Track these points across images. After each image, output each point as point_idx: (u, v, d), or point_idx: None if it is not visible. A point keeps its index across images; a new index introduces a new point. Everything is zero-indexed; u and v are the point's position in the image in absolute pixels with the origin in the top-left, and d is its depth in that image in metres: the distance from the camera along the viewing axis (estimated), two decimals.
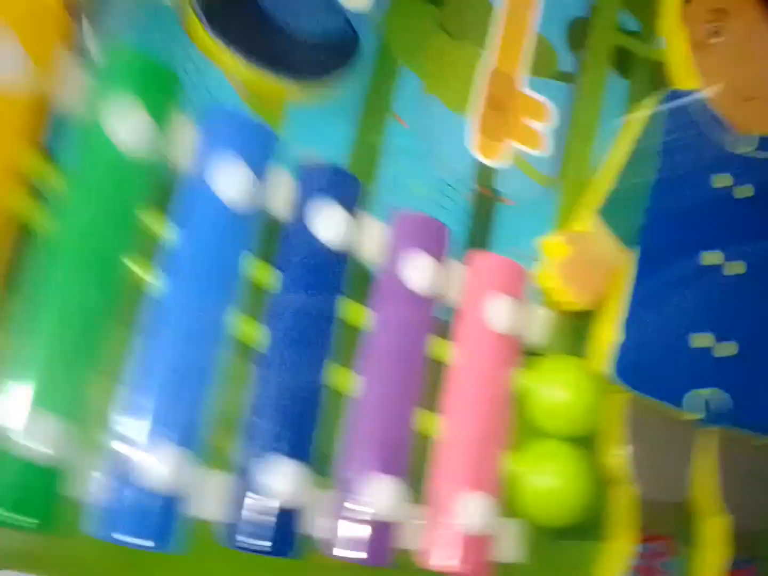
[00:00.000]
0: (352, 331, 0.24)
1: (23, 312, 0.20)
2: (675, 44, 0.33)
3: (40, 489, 0.19)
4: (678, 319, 0.30)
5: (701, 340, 0.30)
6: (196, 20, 0.24)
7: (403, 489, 0.23)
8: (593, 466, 0.26)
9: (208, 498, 0.21)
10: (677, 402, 0.29)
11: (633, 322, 0.29)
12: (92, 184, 0.21)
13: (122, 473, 0.20)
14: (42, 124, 0.21)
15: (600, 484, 0.27)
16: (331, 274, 0.24)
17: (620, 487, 0.28)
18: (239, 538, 0.21)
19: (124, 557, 0.21)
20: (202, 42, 0.24)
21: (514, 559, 0.25)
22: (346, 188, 0.25)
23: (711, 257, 0.31)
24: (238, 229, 0.23)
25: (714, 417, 0.29)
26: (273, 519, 0.21)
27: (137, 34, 0.23)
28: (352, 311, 0.24)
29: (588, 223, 0.29)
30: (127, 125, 0.21)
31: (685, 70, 0.33)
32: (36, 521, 0.19)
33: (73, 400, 0.20)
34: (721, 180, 0.32)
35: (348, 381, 0.24)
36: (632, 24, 0.33)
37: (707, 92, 0.33)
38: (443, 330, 0.25)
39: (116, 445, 0.20)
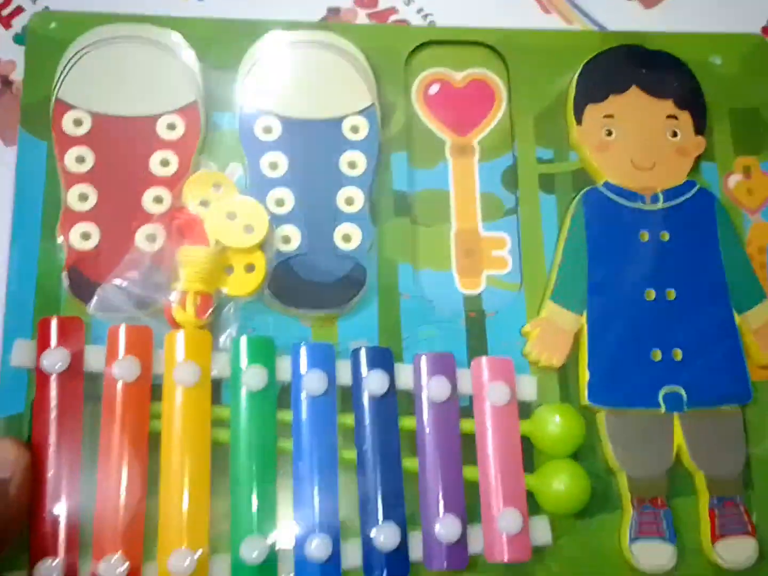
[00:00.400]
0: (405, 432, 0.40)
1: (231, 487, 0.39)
2: (582, 154, 0.46)
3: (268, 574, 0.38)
4: (638, 342, 0.43)
5: (658, 353, 0.43)
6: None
7: (464, 517, 0.39)
8: (588, 469, 0.41)
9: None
10: (653, 402, 0.42)
11: (595, 364, 0.42)
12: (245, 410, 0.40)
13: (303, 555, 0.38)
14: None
15: (599, 477, 0.41)
16: (386, 408, 0.40)
17: (617, 473, 0.42)
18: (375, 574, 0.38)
19: None
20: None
21: (546, 542, 0.40)
22: (384, 357, 0.41)
23: (651, 293, 0.44)
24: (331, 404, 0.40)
25: (676, 405, 0.42)
26: (390, 557, 0.38)
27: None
28: (405, 422, 0.41)
29: (547, 308, 0.43)
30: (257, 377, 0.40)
31: (594, 170, 0.46)
32: None
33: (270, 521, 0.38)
34: (645, 233, 0.44)
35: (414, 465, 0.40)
36: (547, 154, 0.46)
37: (615, 178, 0.45)
38: (467, 413, 0.41)
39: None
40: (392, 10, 0.49)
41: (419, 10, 0.49)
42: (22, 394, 0.39)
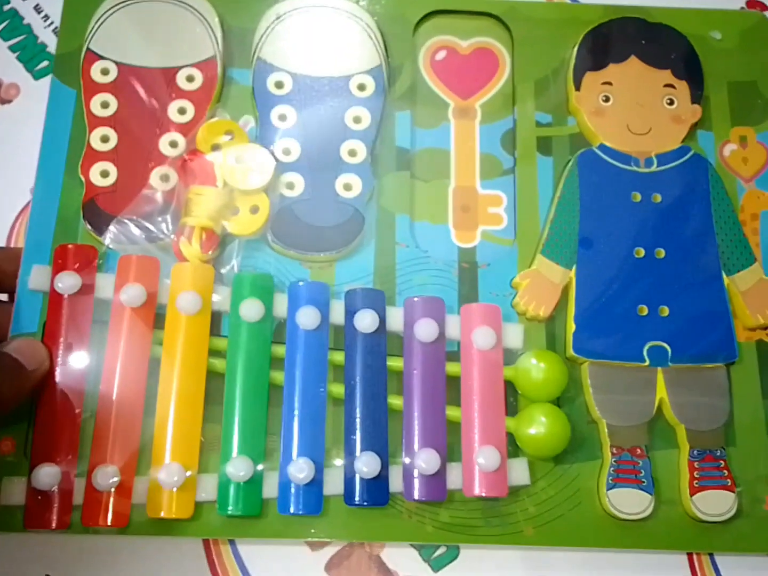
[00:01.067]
0: (395, 373, 0.42)
1: (224, 411, 0.41)
2: (579, 119, 0.48)
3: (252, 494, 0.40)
4: (625, 297, 0.44)
5: (644, 309, 0.44)
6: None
7: (443, 453, 0.40)
8: (570, 418, 0.41)
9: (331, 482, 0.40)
10: (638, 356, 0.43)
11: (581, 316, 0.43)
12: (242, 344, 0.42)
13: (287, 476, 0.40)
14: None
15: (580, 426, 0.42)
16: (376, 345, 0.42)
17: (598, 422, 0.42)
18: (355, 499, 0.40)
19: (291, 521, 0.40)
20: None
21: (525, 483, 0.41)
22: (376, 298, 0.43)
23: (640, 251, 0.45)
24: (321, 340, 0.42)
25: (660, 360, 0.43)
26: (371, 485, 0.40)
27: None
28: (393, 362, 0.42)
29: (537, 261, 0.45)
30: (254, 309, 0.42)
31: (591, 134, 0.47)
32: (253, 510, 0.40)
33: (258, 444, 0.40)
34: (637, 195, 0.46)
35: (401, 403, 0.41)
36: (546, 118, 0.48)
37: (610, 141, 0.47)
38: (454, 357, 0.43)
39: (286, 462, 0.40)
40: None
41: None
42: (36, 315, 0.42)
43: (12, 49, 0.51)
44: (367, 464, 0.40)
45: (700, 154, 0.46)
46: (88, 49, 0.46)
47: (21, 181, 0.48)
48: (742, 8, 0.53)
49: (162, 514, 0.39)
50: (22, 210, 0.48)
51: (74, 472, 0.39)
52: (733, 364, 0.43)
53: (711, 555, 0.42)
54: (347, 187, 0.45)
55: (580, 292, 0.43)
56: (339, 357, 0.42)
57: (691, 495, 0.41)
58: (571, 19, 0.49)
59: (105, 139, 0.45)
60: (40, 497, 0.39)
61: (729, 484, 0.41)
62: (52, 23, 0.52)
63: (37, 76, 0.51)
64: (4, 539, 0.41)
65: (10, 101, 0.50)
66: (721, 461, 0.41)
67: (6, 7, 0.52)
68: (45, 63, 0.51)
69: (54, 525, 0.39)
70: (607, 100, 0.47)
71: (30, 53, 0.51)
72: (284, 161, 0.45)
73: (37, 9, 0.51)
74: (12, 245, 0.47)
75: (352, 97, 0.46)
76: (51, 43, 0.51)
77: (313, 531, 0.40)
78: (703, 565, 0.42)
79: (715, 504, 0.41)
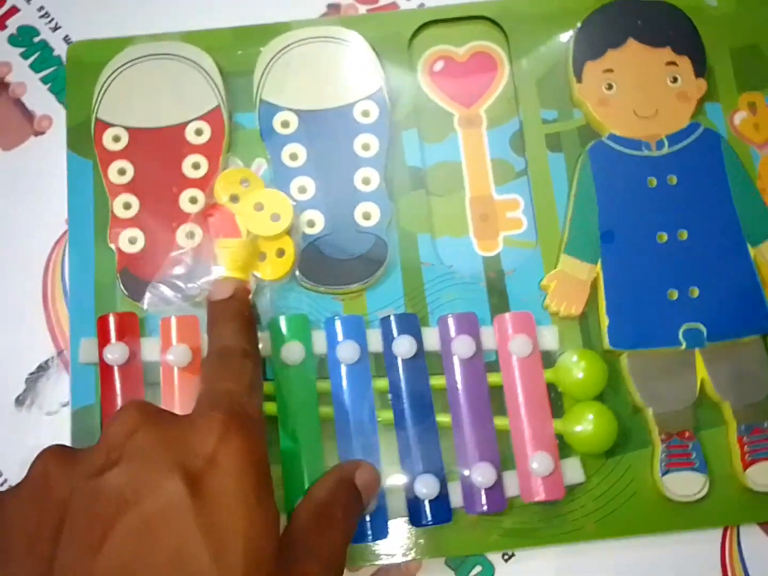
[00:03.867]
0: (439, 391, 0.43)
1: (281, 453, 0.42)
2: (585, 110, 0.48)
3: None
4: (653, 284, 0.44)
5: (674, 293, 0.44)
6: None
7: (498, 464, 0.41)
8: (614, 409, 0.42)
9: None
10: (674, 340, 0.44)
11: (612, 309, 0.44)
12: (288, 386, 0.43)
13: None
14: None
15: (625, 416, 0.43)
16: (417, 369, 0.43)
17: (644, 411, 0.43)
18: (422, 521, 0.41)
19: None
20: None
21: (580, 480, 0.42)
22: (410, 322, 0.44)
23: (662, 235, 0.45)
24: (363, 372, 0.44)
25: (696, 341, 0.43)
26: (433, 505, 0.41)
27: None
28: (436, 380, 0.43)
29: (562, 261, 0.45)
30: (295, 352, 0.43)
31: (598, 124, 0.47)
32: None
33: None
34: (652, 179, 0.46)
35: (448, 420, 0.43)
36: (551, 114, 0.48)
37: (619, 129, 0.47)
38: (494, 367, 0.44)
39: None
40: (393, 5, 0.52)
41: (420, 5, 0.52)
42: (92, 387, 0.44)
43: (44, 80, 0.51)
44: (426, 486, 0.41)
45: (711, 128, 0.46)
46: (96, 118, 0.47)
47: (57, 211, 0.48)
48: None
49: None
50: (58, 239, 0.49)
51: None
52: None
53: (737, 528, 0.43)
54: (366, 216, 0.46)
55: (609, 285, 0.44)
56: (383, 384, 0.43)
57: (744, 469, 0.42)
58: (564, 10, 0.49)
59: (127, 206, 0.46)
60: None
61: None
62: None
63: None
64: None
65: (43, 133, 0.50)
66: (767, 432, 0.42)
67: (36, 39, 0.52)
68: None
69: None
70: (610, 87, 0.47)
71: (61, 84, 0.51)
72: (302, 200, 0.46)
73: (67, 40, 0.52)
74: (50, 273, 0.48)
75: (357, 125, 0.47)
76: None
77: (383, 555, 0.42)
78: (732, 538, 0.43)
79: None
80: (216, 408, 0.33)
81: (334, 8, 0.52)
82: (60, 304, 0.47)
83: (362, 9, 0.51)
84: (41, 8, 0.53)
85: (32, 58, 0.52)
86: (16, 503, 0.32)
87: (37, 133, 0.50)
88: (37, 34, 0.52)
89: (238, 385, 0.36)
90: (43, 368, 0.46)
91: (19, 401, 0.46)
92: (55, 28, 0.52)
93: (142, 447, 0.31)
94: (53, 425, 0.45)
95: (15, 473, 0.45)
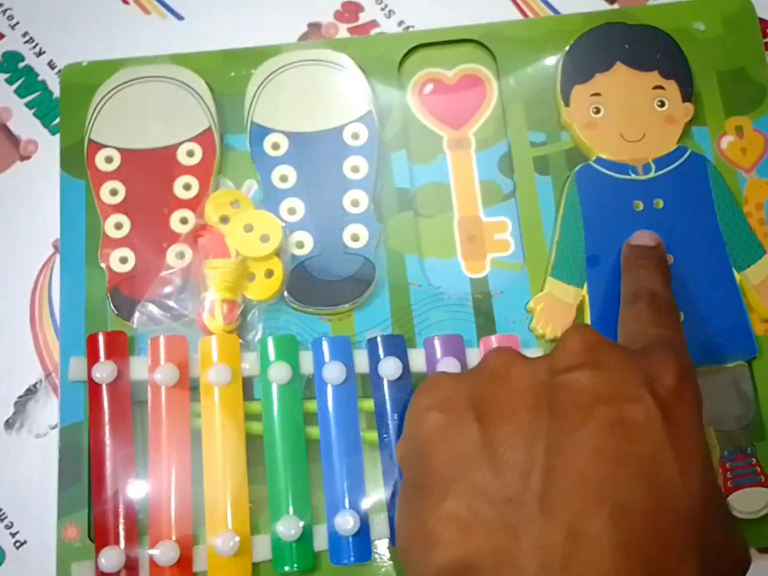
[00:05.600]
0: None
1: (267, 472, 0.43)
2: (572, 133, 0.48)
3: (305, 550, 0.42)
4: None
5: None
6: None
7: None
8: None
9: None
10: None
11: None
12: (275, 406, 0.44)
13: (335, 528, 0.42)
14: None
15: None
16: (403, 390, 0.44)
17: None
18: None
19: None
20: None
21: None
22: (397, 344, 0.44)
23: None
24: (349, 393, 0.44)
25: None
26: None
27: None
28: None
29: (549, 284, 0.46)
30: (282, 372, 0.44)
31: (585, 148, 0.48)
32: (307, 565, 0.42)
33: (304, 501, 0.42)
34: (639, 203, 0.46)
35: None
36: (539, 137, 0.48)
37: (606, 153, 0.47)
38: None
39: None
40: (373, 23, 0.52)
41: (400, 23, 0.52)
42: (80, 405, 0.44)
43: (28, 105, 0.52)
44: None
45: (698, 152, 0.46)
46: (90, 139, 0.48)
47: (43, 235, 0.49)
48: None
49: None
50: (45, 263, 0.49)
51: (137, 551, 0.42)
52: (754, 359, 0.44)
53: None
54: (354, 237, 0.46)
55: (594, 309, 0.44)
56: (369, 404, 0.44)
57: (727, 495, 0.42)
58: (552, 33, 0.49)
59: (119, 226, 0.47)
60: None
61: (762, 480, 0.42)
62: None
63: (54, 131, 0.52)
64: None
65: (29, 157, 0.51)
66: (753, 458, 0.42)
67: (20, 65, 0.53)
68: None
69: None
70: (597, 111, 0.47)
71: (46, 109, 0.52)
72: (291, 221, 0.46)
73: (51, 65, 0.52)
74: (37, 296, 0.49)
75: (347, 148, 0.47)
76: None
77: None
78: None
79: (750, 501, 0.41)
80: (668, 349, 0.34)
81: (314, 27, 0.52)
82: (47, 327, 0.48)
83: (342, 28, 0.52)
84: (26, 34, 0.53)
85: (17, 84, 0.52)
86: (478, 380, 0.34)
87: (23, 158, 0.51)
88: (22, 59, 0.53)
89: (679, 335, 0.38)
90: (31, 391, 0.47)
91: (9, 424, 0.46)
92: (40, 53, 0.53)
93: (608, 360, 0.32)
94: (43, 448, 0.46)
95: (4, 495, 0.45)
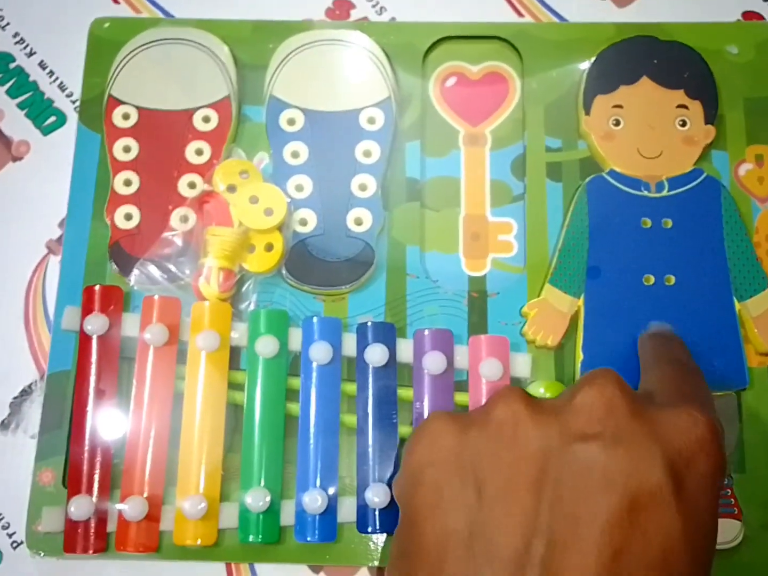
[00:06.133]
0: (407, 403, 0.44)
1: (242, 443, 0.43)
2: (589, 143, 0.48)
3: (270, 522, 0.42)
4: (634, 326, 0.44)
5: None
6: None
7: None
8: None
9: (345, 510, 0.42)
10: None
11: (589, 345, 0.44)
12: (259, 378, 0.44)
13: (302, 505, 0.42)
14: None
15: None
16: (386, 378, 0.44)
17: None
18: (368, 528, 0.42)
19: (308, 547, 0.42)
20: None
21: None
22: (387, 332, 0.44)
23: (649, 278, 0.45)
24: (333, 374, 0.44)
25: None
26: (382, 514, 0.42)
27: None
28: (404, 392, 0.44)
29: (546, 291, 0.45)
30: (269, 345, 0.44)
31: (601, 159, 0.47)
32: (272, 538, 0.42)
33: (275, 474, 0.43)
34: (647, 221, 0.46)
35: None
36: (556, 143, 0.48)
37: (621, 166, 0.47)
38: (464, 386, 0.44)
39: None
40: (364, 20, 0.52)
41: (391, 19, 0.52)
42: (70, 354, 0.45)
43: (20, 106, 0.52)
44: (377, 495, 0.41)
45: (714, 176, 0.46)
46: (109, 94, 0.48)
47: (36, 236, 0.49)
48: (738, 20, 0.51)
49: (187, 542, 0.42)
50: (38, 265, 0.49)
51: (107, 503, 0.42)
52: (743, 390, 0.43)
53: None
54: (358, 221, 0.46)
55: (589, 321, 0.44)
56: (352, 388, 0.44)
57: None
58: (583, 40, 0.49)
59: (128, 183, 0.47)
60: (77, 526, 0.42)
61: (735, 512, 0.41)
62: (57, 78, 0.52)
63: (46, 132, 0.51)
64: (47, 562, 0.44)
65: (20, 158, 0.51)
66: (728, 489, 0.42)
67: (11, 65, 0.53)
68: (53, 119, 0.52)
69: (90, 551, 0.42)
70: (617, 123, 0.47)
71: (38, 110, 0.52)
72: (297, 198, 0.47)
73: (42, 65, 0.52)
74: (31, 297, 0.48)
75: (362, 131, 0.47)
76: (58, 98, 0.52)
77: (328, 557, 0.42)
78: None
79: (722, 532, 0.41)
80: (693, 407, 0.32)
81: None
82: (42, 328, 0.48)
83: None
84: (16, 34, 0.53)
85: (8, 84, 0.52)
86: (481, 438, 0.32)
87: (15, 159, 0.51)
88: (13, 60, 0.53)
89: (706, 393, 0.37)
90: (26, 392, 0.47)
91: (4, 425, 0.47)
92: (31, 54, 0.53)
93: (626, 430, 0.30)
94: None
95: (0, 496, 0.46)
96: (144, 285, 0.46)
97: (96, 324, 0.44)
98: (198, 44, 0.49)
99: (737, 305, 0.44)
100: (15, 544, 0.45)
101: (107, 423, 0.43)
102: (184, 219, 0.46)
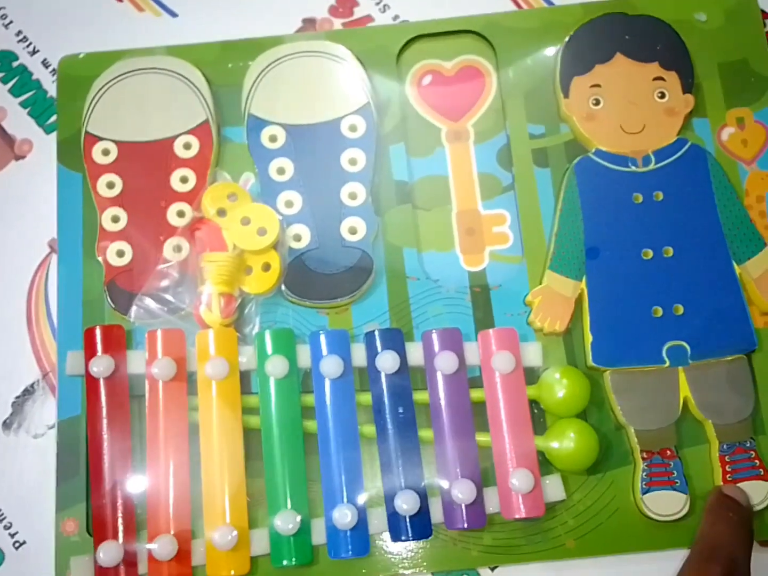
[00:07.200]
0: (422, 406, 0.43)
1: (265, 466, 0.43)
2: (572, 125, 0.48)
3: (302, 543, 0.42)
4: (638, 301, 0.44)
5: (659, 310, 0.44)
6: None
7: (479, 480, 0.42)
8: (597, 425, 0.43)
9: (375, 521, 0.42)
10: (657, 358, 0.44)
11: (597, 326, 0.44)
12: (273, 399, 0.44)
13: (333, 522, 0.42)
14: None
15: (608, 434, 0.43)
16: (400, 384, 0.43)
17: (624, 428, 0.43)
18: (401, 536, 0.42)
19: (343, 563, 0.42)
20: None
21: (561, 498, 0.42)
22: (395, 338, 0.44)
23: (648, 252, 0.45)
24: (346, 386, 0.44)
25: (680, 359, 0.43)
26: (414, 521, 0.42)
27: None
28: (419, 395, 0.43)
29: (547, 277, 0.45)
30: (279, 366, 0.43)
31: (585, 140, 0.47)
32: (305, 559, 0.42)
33: (301, 494, 0.42)
34: (638, 195, 0.46)
35: (430, 435, 0.43)
36: (538, 129, 0.48)
37: (605, 145, 0.47)
38: (477, 382, 0.44)
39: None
40: (368, 18, 0.52)
41: (395, 17, 0.52)
42: (78, 398, 0.44)
43: (23, 105, 0.52)
44: (406, 502, 0.41)
45: (698, 144, 0.46)
46: (86, 131, 0.48)
47: (39, 234, 0.49)
48: None
49: (222, 575, 0.41)
50: (41, 263, 0.49)
51: (135, 545, 0.42)
52: (753, 352, 0.43)
53: None
54: (352, 230, 0.46)
55: (593, 302, 0.44)
56: (367, 398, 0.43)
57: None
58: (552, 24, 0.49)
59: (116, 219, 0.46)
60: (107, 573, 0.41)
61: (762, 473, 0.42)
62: None
63: (49, 130, 0.52)
64: None
65: (24, 157, 0.51)
66: (752, 452, 0.42)
67: (14, 64, 0.53)
68: (55, 117, 0.51)
69: None
70: (597, 103, 0.47)
71: (40, 108, 0.52)
72: (288, 214, 0.46)
73: (45, 64, 0.52)
74: (33, 297, 0.48)
75: (345, 140, 0.47)
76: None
77: (364, 571, 0.42)
78: None
79: (749, 494, 0.41)
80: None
81: (309, 22, 0.52)
82: (44, 327, 0.48)
83: (337, 23, 0.52)
84: (19, 33, 0.53)
85: (11, 83, 0.52)
86: None
87: (18, 157, 0.51)
88: (16, 58, 0.53)
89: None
90: (29, 391, 0.47)
91: (6, 425, 0.46)
92: (34, 52, 0.53)
93: None
94: (41, 448, 0.46)
95: (3, 496, 0.45)
96: (144, 320, 0.45)
97: (102, 365, 0.43)
98: (170, 72, 0.48)
99: (737, 269, 0.44)
100: (17, 544, 0.44)
101: (125, 465, 0.43)
102: (178, 249, 0.46)
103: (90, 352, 0.44)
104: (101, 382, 0.43)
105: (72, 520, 0.43)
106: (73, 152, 0.48)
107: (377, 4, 0.52)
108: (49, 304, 0.48)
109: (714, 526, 0.40)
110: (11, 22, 0.53)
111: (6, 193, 0.50)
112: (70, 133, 0.48)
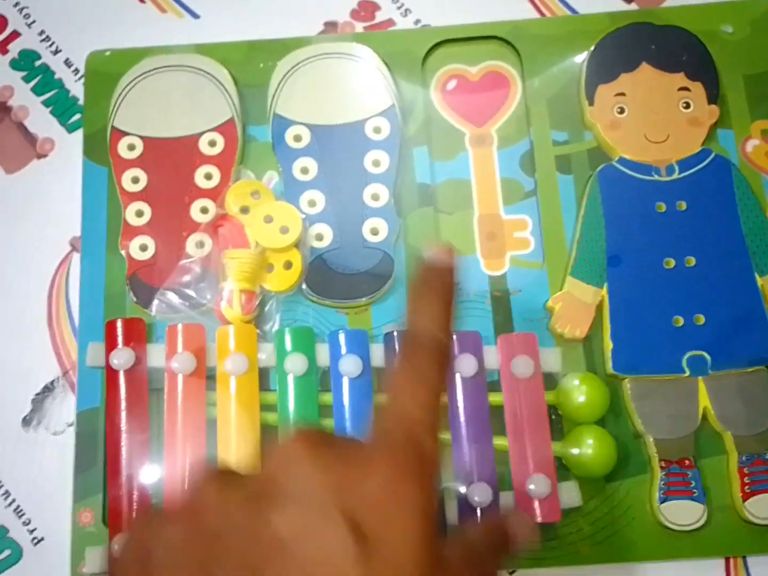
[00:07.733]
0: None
1: None
2: (596, 133, 0.48)
3: None
4: (659, 310, 0.44)
5: (680, 319, 0.44)
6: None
7: (495, 484, 0.42)
8: (615, 433, 0.42)
9: None
10: (677, 368, 0.44)
11: (617, 333, 0.44)
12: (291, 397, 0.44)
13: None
14: None
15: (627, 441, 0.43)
16: None
17: (643, 436, 0.43)
18: None
19: None
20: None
21: (577, 504, 0.42)
22: None
23: (670, 261, 0.45)
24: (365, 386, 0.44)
25: (700, 369, 0.43)
26: None
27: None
28: None
29: (568, 284, 0.45)
30: (298, 363, 0.44)
31: (609, 148, 0.47)
32: None
33: None
34: (661, 205, 0.46)
35: (447, 437, 0.43)
36: (562, 136, 0.48)
37: (629, 153, 0.47)
38: (495, 386, 0.44)
39: None
40: (390, 22, 0.52)
41: (416, 21, 0.52)
42: (97, 390, 0.45)
43: (45, 104, 0.52)
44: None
45: (722, 155, 0.46)
46: (112, 126, 0.48)
47: (60, 232, 0.50)
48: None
49: None
50: (62, 261, 0.49)
51: None
52: None
53: (744, 558, 0.43)
54: (374, 231, 0.46)
55: (614, 309, 0.44)
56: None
57: (744, 500, 0.41)
58: (578, 32, 0.49)
59: (140, 214, 0.47)
60: None
61: None
62: (82, 76, 0.52)
63: (71, 129, 0.52)
64: None
65: (45, 155, 0.51)
66: None
67: (37, 63, 0.53)
68: (78, 116, 0.52)
69: None
70: (621, 111, 0.47)
71: (62, 107, 0.52)
72: (311, 213, 0.46)
73: (68, 63, 0.53)
74: (54, 295, 0.49)
75: (369, 141, 0.47)
76: (83, 96, 0.51)
77: None
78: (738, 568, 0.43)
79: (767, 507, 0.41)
80: (392, 443, 0.29)
81: (330, 26, 0.52)
82: (65, 325, 0.48)
83: (359, 26, 0.52)
84: (42, 32, 0.53)
85: (34, 82, 0.53)
86: (167, 530, 0.29)
87: (40, 156, 0.51)
88: (39, 57, 0.53)
89: (423, 411, 0.30)
90: (48, 389, 0.47)
91: (26, 421, 0.46)
92: (56, 52, 0.53)
93: (304, 487, 0.27)
94: (60, 445, 0.46)
95: (22, 492, 0.45)
96: (166, 314, 0.45)
97: (122, 358, 0.43)
98: (197, 69, 0.49)
99: (759, 280, 0.44)
100: (35, 540, 0.44)
101: (142, 457, 0.43)
102: (200, 244, 0.46)
103: (111, 344, 0.44)
104: (121, 374, 0.43)
105: (88, 510, 0.43)
106: (99, 147, 0.48)
107: (399, 8, 0.53)
108: (70, 302, 0.48)
109: (415, 303, 0.33)
110: (34, 21, 0.54)
111: (27, 192, 0.51)
112: (97, 128, 0.49)
